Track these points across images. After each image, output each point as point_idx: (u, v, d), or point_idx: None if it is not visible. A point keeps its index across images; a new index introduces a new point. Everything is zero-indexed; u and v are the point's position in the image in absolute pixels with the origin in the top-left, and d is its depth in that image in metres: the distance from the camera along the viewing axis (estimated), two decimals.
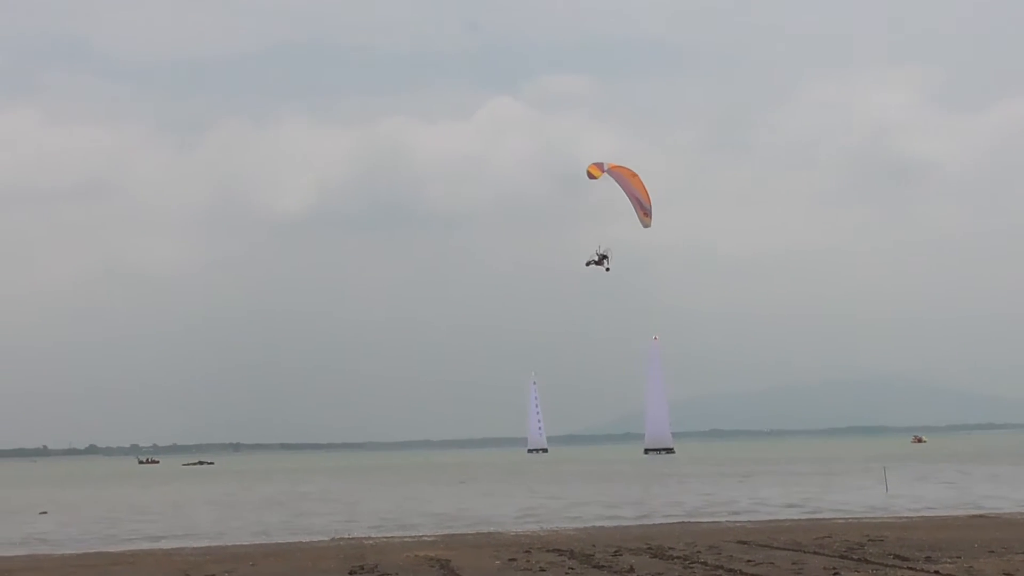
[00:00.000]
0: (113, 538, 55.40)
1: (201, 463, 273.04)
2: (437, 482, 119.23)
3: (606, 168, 53.46)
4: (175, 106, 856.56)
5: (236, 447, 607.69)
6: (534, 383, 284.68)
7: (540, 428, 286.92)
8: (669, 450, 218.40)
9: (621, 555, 38.21)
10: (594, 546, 41.36)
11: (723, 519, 56.19)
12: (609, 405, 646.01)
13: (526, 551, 40.39)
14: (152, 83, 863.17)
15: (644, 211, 53.99)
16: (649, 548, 40.03)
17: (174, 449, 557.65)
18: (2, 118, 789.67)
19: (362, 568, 36.94)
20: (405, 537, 49.47)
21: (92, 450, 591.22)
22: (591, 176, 53.06)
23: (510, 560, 37.89)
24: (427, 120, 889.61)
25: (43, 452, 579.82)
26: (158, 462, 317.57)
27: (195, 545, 49.21)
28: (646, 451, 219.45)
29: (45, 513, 78.01)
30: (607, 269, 54.60)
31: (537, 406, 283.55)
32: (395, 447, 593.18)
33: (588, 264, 54.61)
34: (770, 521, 53.76)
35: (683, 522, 54.50)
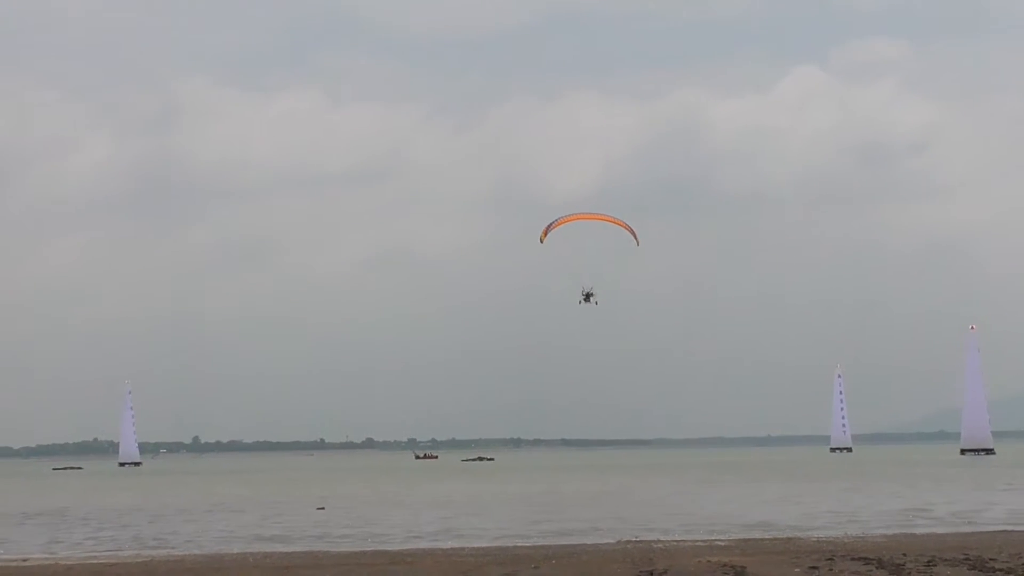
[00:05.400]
0: (390, 536, 56.95)
1: (480, 459, 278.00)
2: (731, 482, 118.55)
3: (553, 226, 63.49)
4: (453, 84, 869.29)
5: (516, 443, 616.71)
6: (839, 376, 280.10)
7: (844, 425, 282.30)
8: (988, 451, 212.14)
9: (935, 566, 37.35)
10: (905, 555, 40.50)
11: None
12: (920, 401, 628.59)
13: (828, 559, 39.86)
14: (429, 61, 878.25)
15: (631, 232, 64.90)
16: (967, 559, 38.99)
17: (453, 444, 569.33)
18: (285, 99, 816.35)
19: (651, 573, 37.09)
20: (697, 541, 49.39)
21: (369, 444, 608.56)
22: (541, 241, 63.67)
23: (811, 568, 37.47)
24: (723, 93, 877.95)
25: (320, 445, 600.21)
26: (436, 457, 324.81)
27: (475, 545, 50.18)
28: (962, 451, 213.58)
29: (323, 509, 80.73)
30: (596, 303, 64.58)
31: (842, 401, 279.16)
32: (685, 444, 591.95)
33: (580, 303, 64.63)
34: None
35: (1005, 530, 52.82)
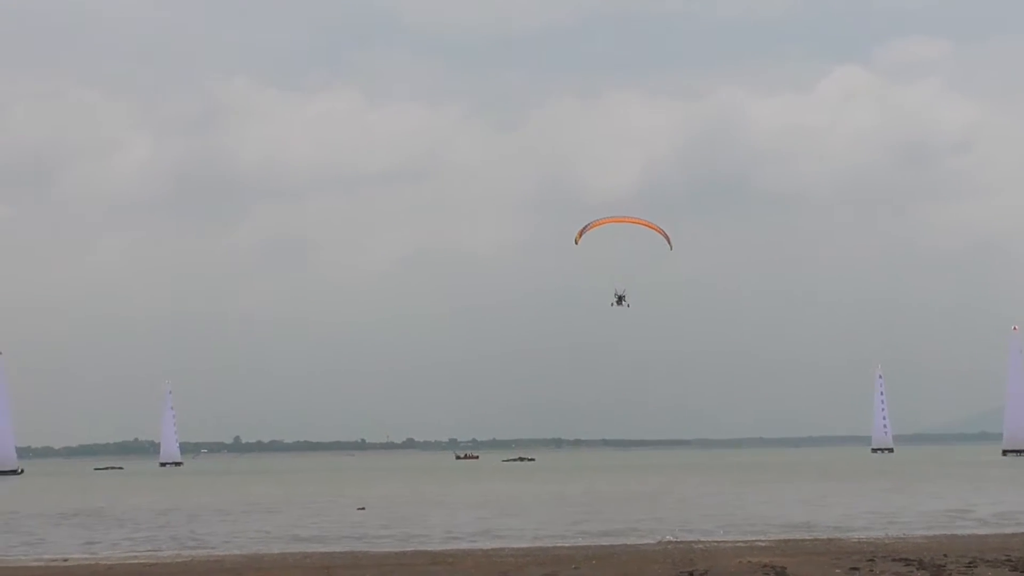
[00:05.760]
0: (430, 536, 56.97)
1: (521, 459, 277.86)
2: (771, 482, 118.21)
3: (588, 228, 64.81)
4: (493, 84, 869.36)
5: (557, 443, 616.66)
6: (880, 376, 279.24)
7: (886, 426, 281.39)
8: None
9: (976, 567, 37.12)
10: (946, 556, 40.26)
11: None
12: (961, 401, 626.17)
13: (869, 559, 39.68)
14: (468, 60, 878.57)
15: (665, 236, 65.92)
16: (1009, 560, 38.73)
17: (494, 444, 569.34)
18: (323, 99, 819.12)
19: (691, 574, 36.99)
20: (738, 541, 49.25)
21: (409, 444, 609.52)
22: (576, 242, 64.94)
23: (851, 569, 37.30)
24: (764, 92, 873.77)
25: (360, 446, 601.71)
26: (477, 457, 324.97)
27: (515, 546, 50.15)
28: (1004, 452, 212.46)
29: (363, 509, 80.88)
30: (627, 306, 65.87)
31: (883, 401, 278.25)
32: (724, 444, 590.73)
33: (612, 305, 66.04)
34: None
35: None
